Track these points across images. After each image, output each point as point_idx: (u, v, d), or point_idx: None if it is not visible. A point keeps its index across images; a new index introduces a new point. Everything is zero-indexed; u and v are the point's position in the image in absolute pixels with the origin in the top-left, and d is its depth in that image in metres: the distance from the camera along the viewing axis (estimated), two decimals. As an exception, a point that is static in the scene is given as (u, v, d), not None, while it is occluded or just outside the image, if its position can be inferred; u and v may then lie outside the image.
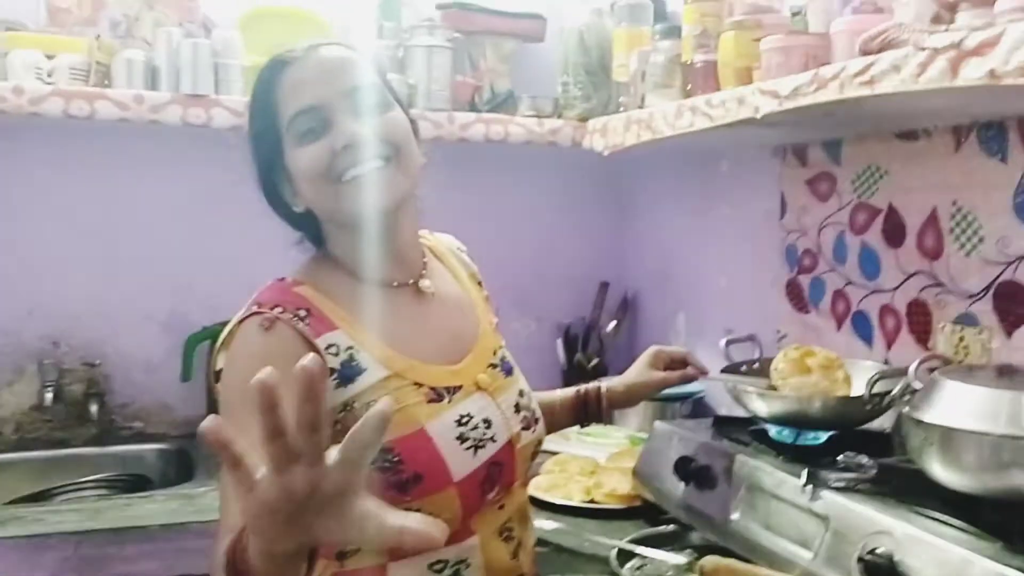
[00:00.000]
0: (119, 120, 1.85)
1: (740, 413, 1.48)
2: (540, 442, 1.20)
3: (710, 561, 1.11)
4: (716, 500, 1.34)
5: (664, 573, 1.29)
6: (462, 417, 1.06)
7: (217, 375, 1.05)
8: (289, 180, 1.10)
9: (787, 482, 1.22)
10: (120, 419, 2.11)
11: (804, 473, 1.19)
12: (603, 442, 1.95)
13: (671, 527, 1.44)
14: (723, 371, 1.50)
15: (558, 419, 1.41)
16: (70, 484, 1.82)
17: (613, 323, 2.37)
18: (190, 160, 2.06)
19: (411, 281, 1.15)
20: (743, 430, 1.45)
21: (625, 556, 1.34)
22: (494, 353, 1.18)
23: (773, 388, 1.38)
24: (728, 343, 1.61)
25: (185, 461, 1.96)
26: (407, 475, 1.00)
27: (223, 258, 2.09)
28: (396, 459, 1.00)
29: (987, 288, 1.39)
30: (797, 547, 1.16)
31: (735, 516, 1.29)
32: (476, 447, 1.06)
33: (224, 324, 1.08)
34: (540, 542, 1.39)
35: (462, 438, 1.05)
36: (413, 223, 1.16)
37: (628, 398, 1.45)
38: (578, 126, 2.13)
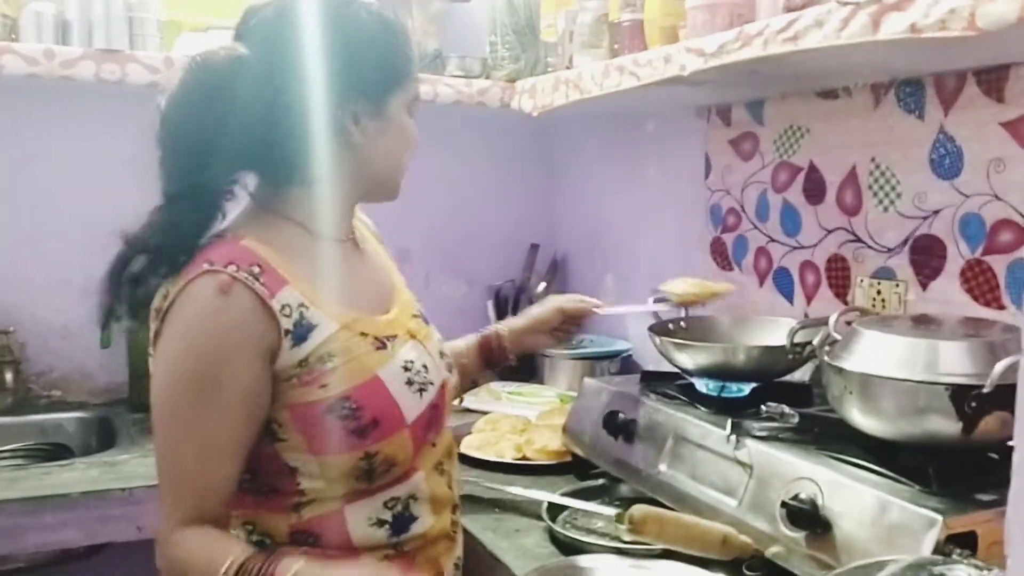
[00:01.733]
0: (28, 76, 1.76)
1: (668, 368, 1.50)
2: (456, 385, 1.28)
3: (639, 510, 1.13)
4: (644, 453, 1.36)
5: (594, 525, 1.31)
6: (406, 363, 1.09)
7: (156, 338, 1.01)
8: (368, 116, 1.10)
9: (712, 433, 1.25)
10: (38, 387, 2.04)
11: (728, 424, 1.22)
12: (534, 401, 1.97)
13: (601, 481, 1.46)
14: (650, 330, 1.52)
15: (467, 366, 1.44)
16: (-15, 454, 1.76)
17: (543, 285, 2.38)
18: (104, 118, 1.97)
19: (352, 235, 1.18)
20: (670, 384, 1.47)
21: (556, 510, 1.36)
22: (412, 304, 1.22)
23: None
24: (655, 303, 1.63)
25: (107, 429, 1.91)
26: (365, 421, 1.03)
27: (141, 218, 2.02)
28: (355, 407, 1.03)
29: (904, 242, 1.43)
30: (722, 495, 1.19)
31: (662, 467, 1.31)
32: (421, 390, 1.10)
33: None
34: (473, 499, 1.41)
35: (410, 382, 1.09)
36: None
37: (530, 329, 1.46)
38: (507, 87, 2.12)
